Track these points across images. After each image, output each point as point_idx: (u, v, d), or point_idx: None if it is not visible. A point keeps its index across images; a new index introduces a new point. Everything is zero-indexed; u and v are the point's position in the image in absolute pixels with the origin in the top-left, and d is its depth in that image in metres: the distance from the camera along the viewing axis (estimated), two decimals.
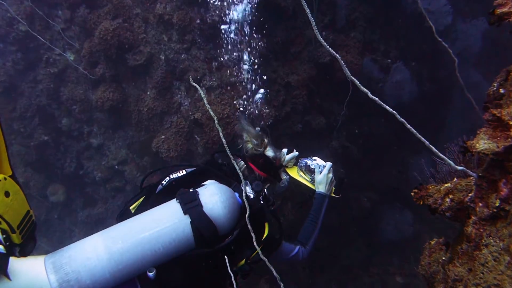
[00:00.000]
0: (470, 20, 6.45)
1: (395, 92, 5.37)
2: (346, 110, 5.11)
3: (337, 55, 1.72)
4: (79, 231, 6.14)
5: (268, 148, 2.58)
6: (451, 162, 1.81)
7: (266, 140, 2.58)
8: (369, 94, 1.74)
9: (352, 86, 4.94)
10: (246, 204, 2.12)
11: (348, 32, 5.21)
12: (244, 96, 4.61)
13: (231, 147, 2.33)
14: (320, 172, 2.83)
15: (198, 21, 4.63)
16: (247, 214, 2.11)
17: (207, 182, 2.32)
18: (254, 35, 4.53)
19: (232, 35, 4.55)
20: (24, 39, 5.76)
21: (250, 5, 4.34)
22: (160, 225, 2.06)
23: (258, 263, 2.30)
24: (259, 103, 4.61)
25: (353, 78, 1.75)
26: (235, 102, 4.61)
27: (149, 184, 2.59)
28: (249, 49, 4.57)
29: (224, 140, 2.18)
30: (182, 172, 2.44)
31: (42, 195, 6.15)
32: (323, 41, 1.65)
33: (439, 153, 1.82)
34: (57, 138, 6.00)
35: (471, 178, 1.95)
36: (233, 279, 2.11)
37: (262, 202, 2.33)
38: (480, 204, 1.81)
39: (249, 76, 4.62)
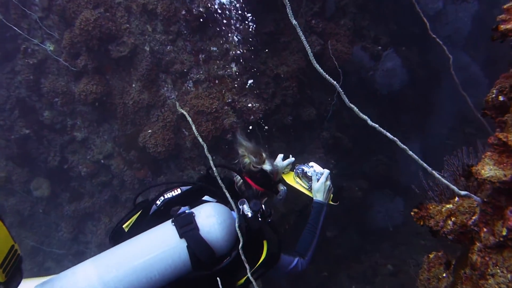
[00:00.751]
0: (460, 3, 6.36)
1: (386, 80, 5.28)
2: (336, 100, 5.03)
3: (334, 82, 1.63)
4: (66, 225, 6.02)
5: (266, 162, 2.49)
6: (455, 188, 1.74)
7: (264, 155, 2.49)
8: (369, 121, 1.64)
9: (342, 76, 4.87)
10: (239, 235, 2.03)
11: (338, 20, 5.07)
12: (233, 90, 4.48)
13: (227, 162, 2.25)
14: (318, 180, 2.75)
15: (183, 12, 4.43)
16: (240, 245, 2.03)
17: (203, 204, 2.23)
18: (242, 25, 4.37)
19: (218, 27, 4.39)
20: None
21: None
22: (155, 250, 1.99)
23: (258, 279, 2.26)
24: (248, 97, 4.48)
25: (352, 105, 1.65)
26: (224, 95, 4.48)
27: (143, 200, 2.49)
28: (237, 39, 4.42)
29: (212, 164, 2.08)
30: (177, 191, 2.34)
31: (25, 189, 5.99)
32: (314, 61, 1.55)
33: (442, 178, 1.75)
34: (39, 131, 5.80)
35: (474, 199, 1.88)
36: None
37: (260, 219, 2.26)
38: (485, 230, 1.75)
39: (237, 69, 4.47)
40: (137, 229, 2.24)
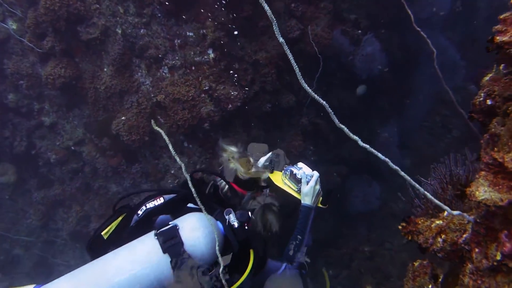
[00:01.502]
0: None
1: (366, 65, 5.19)
2: (315, 85, 4.92)
3: (324, 103, 1.52)
4: (34, 212, 5.79)
5: (253, 168, 2.40)
6: (447, 208, 1.67)
7: (252, 160, 2.39)
8: (360, 142, 1.54)
9: (322, 62, 4.75)
10: (220, 260, 1.93)
11: (318, 2, 4.90)
12: (211, 77, 4.30)
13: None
14: (307, 183, 2.66)
15: None
16: (220, 269, 1.93)
17: (188, 214, 2.11)
18: (219, 9, 4.16)
19: (194, 11, 4.17)
20: None
21: None
22: (136, 266, 1.89)
23: None
24: (226, 84, 4.31)
25: (342, 126, 1.57)
26: (200, 82, 4.30)
27: (123, 206, 2.35)
28: (215, 23, 4.21)
29: (190, 183, 1.96)
30: (160, 200, 2.21)
31: None
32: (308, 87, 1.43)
33: (434, 199, 1.68)
34: (3, 114, 5.49)
35: (463, 216, 1.82)
36: None
37: (246, 228, 2.19)
38: (477, 250, 1.70)
39: (214, 55, 4.28)
40: (117, 238, 2.13)
